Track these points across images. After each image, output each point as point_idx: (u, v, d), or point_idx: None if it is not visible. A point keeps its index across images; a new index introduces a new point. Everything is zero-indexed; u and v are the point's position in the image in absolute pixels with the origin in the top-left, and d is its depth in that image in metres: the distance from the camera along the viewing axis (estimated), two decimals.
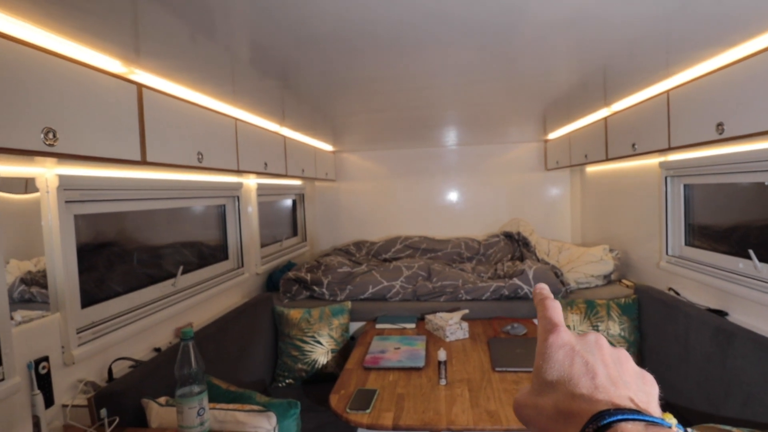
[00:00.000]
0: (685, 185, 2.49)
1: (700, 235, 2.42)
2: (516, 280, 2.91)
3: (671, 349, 2.28)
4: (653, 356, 2.46)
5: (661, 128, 2.02)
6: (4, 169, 1.30)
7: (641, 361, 2.55)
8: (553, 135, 3.80)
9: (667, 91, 1.96)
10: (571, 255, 3.46)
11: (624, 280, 3.09)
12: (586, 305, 2.70)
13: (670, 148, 1.98)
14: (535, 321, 2.77)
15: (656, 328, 2.46)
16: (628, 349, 2.55)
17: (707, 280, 2.21)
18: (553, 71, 1.73)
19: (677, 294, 2.46)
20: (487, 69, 1.66)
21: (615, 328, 2.60)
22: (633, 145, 2.30)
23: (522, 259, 3.64)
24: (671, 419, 0.30)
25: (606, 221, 3.56)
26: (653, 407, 0.33)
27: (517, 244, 3.91)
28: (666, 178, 2.56)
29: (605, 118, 2.66)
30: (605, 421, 0.29)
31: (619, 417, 0.29)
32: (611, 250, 3.19)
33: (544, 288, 0.44)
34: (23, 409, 1.32)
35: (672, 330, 2.30)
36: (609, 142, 2.64)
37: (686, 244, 2.50)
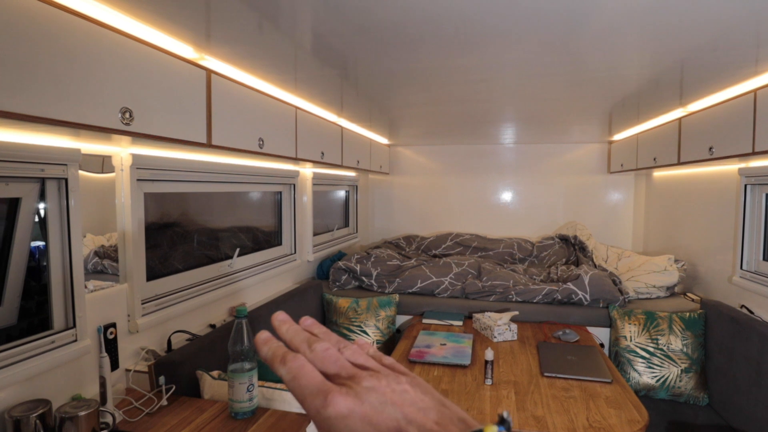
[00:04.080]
0: (767, 194, 2.29)
1: None
2: (570, 285, 2.80)
3: (741, 371, 2.12)
4: (719, 377, 2.29)
5: (745, 131, 1.86)
6: (87, 146, 1.40)
7: (704, 381, 2.38)
8: (618, 136, 3.61)
9: (755, 91, 1.80)
10: (631, 263, 3.28)
11: (689, 294, 2.90)
12: (645, 317, 2.55)
13: (754, 153, 1.82)
14: (589, 329, 2.67)
15: (724, 347, 2.29)
16: (689, 368, 2.40)
17: None
18: (624, 66, 1.63)
19: (750, 312, 2.27)
20: (552, 63, 1.60)
21: (677, 343, 2.45)
22: (710, 148, 2.14)
23: (577, 263, 3.50)
24: (491, 428, 0.28)
25: (672, 230, 3.35)
26: (471, 422, 0.31)
27: (572, 248, 3.76)
28: (746, 186, 2.36)
29: (679, 119, 2.49)
30: None
31: None
32: (677, 261, 2.99)
33: (270, 338, 0.35)
34: (92, 370, 1.43)
35: (743, 350, 2.13)
36: (682, 145, 2.47)
37: (764, 259, 2.31)
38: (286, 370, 0.33)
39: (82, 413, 1.16)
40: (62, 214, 1.34)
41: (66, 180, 1.32)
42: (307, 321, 0.39)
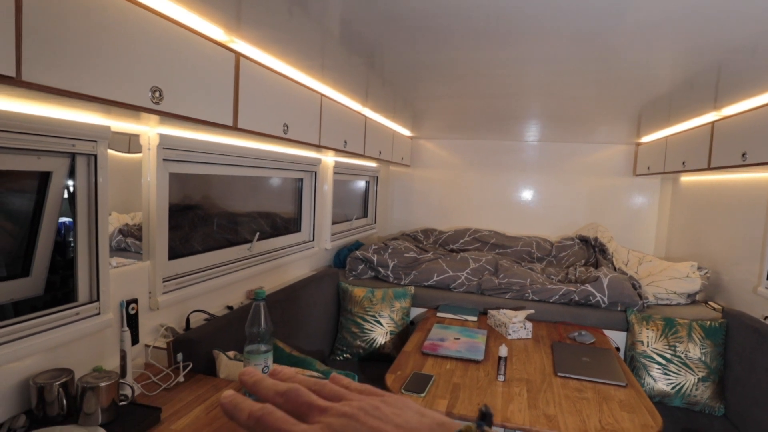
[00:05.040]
0: None
1: None
2: (588, 287, 2.77)
3: (761, 383, 2.07)
4: (738, 388, 2.24)
5: None
6: (116, 124, 1.42)
7: (722, 391, 2.34)
8: (647, 138, 3.52)
9: None
10: (652, 268, 3.22)
11: (711, 302, 2.83)
12: (664, 323, 2.51)
13: None
14: (605, 331, 2.63)
15: (745, 358, 2.23)
16: (707, 377, 2.35)
17: None
18: (658, 65, 1.59)
19: None
20: (583, 60, 1.56)
21: (695, 351, 2.40)
22: (743, 154, 2.07)
23: (596, 265, 3.44)
24: (470, 426, 0.28)
25: (697, 236, 3.26)
26: (454, 424, 0.30)
27: (592, 250, 3.71)
28: None
29: (712, 123, 2.42)
30: None
31: None
32: (700, 268, 2.92)
33: (234, 396, 0.34)
34: (113, 343, 1.46)
35: (764, 362, 2.07)
36: (714, 149, 2.40)
37: None
38: (261, 421, 0.32)
39: (103, 384, 1.19)
40: (90, 191, 1.37)
41: (95, 156, 1.35)
42: (275, 369, 0.39)
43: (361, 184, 4.02)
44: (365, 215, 4.12)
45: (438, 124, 3.41)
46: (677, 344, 2.44)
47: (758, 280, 2.40)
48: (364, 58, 1.70)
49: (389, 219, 4.54)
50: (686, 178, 3.54)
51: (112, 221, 1.53)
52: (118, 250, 1.59)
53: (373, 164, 3.91)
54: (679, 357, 2.42)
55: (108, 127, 1.36)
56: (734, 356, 2.33)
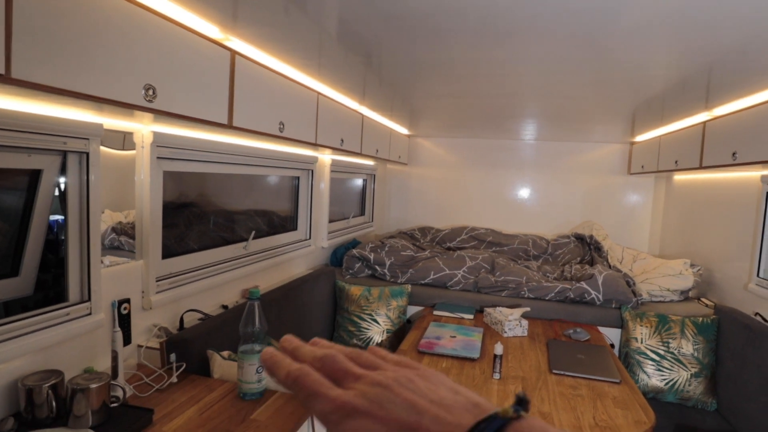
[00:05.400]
0: None
1: None
2: (583, 284, 2.78)
3: (752, 378, 2.09)
4: (729, 384, 2.27)
5: None
6: (109, 122, 1.41)
7: (714, 387, 2.36)
8: (641, 137, 3.54)
9: None
10: (646, 265, 3.24)
11: (703, 299, 2.85)
12: (657, 319, 2.53)
13: None
14: (600, 329, 2.64)
15: (736, 353, 2.26)
16: (699, 372, 2.37)
17: None
18: (652, 65, 1.59)
19: (765, 320, 2.23)
20: (579, 60, 1.56)
21: (688, 347, 2.42)
22: (733, 154, 2.09)
23: (592, 263, 3.46)
24: (507, 411, 0.28)
25: (690, 234, 3.29)
26: (490, 406, 0.30)
27: (588, 248, 3.72)
28: (767, 193, 2.32)
29: (704, 123, 2.44)
30: None
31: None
32: (692, 266, 2.95)
33: (275, 354, 0.36)
34: (105, 344, 1.45)
35: (755, 358, 2.10)
36: (705, 149, 2.41)
37: None
38: (299, 382, 0.33)
39: (94, 385, 1.18)
40: (82, 189, 1.35)
41: (87, 154, 1.33)
42: (315, 340, 0.40)
43: (358, 182, 4.02)
44: (362, 213, 4.11)
45: (435, 122, 3.41)
46: (670, 340, 2.46)
47: (749, 277, 2.43)
48: (361, 57, 1.69)
49: (386, 217, 4.53)
50: (679, 177, 3.56)
51: (106, 219, 1.52)
52: (112, 248, 1.57)
53: (370, 162, 3.90)
54: (672, 353, 2.44)
55: (100, 125, 1.34)
56: (726, 352, 2.35)
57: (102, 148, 1.39)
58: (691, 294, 2.90)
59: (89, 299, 1.38)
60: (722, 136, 2.25)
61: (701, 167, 2.45)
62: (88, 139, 1.32)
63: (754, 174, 2.45)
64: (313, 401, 0.32)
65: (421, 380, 0.32)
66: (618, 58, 1.52)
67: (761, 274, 2.35)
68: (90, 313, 1.38)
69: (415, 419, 0.29)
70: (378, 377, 0.32)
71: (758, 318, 2.27)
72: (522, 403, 0.29)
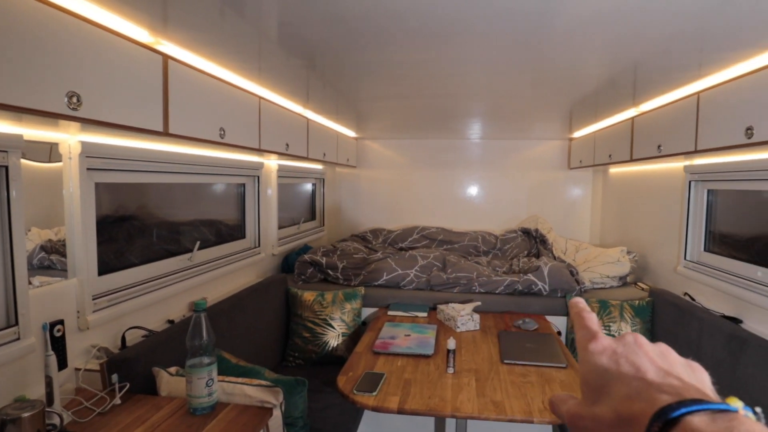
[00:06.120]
0: (708, 191, 2.43)
1: (720, 241, 2.37)
2: (530, 276, 2.88)
3: (682, 353, 2.19)
4: None
5: (689, 131, 1.96)
6: (32, 132, 1.32)
7: None
8: (578, 133, 3.72)
9: (698, 93, 1.90)
10: (587, 255, 3.41)
11: (640, 283, 3.03)
12: (599, 305, 2.66)
13: (697, 151, 1.92)
14: (547, 317, 2.75)
15: (669, 332, 2.42)
16: None
17: (723, 287, 2.16)
18: (583, 65, 1.68)
19: (692, 299, 2.40)
20: (517, 60, 1.62)
21: (627, 329, 2.56)
22: (659, 146, 2.24)
23: (538, 255, 3.59)
24: (736, 402, 0.29)
25: (626, 223, 3.49)
26: (710, 394, 0.31)
27: (534, 241, 3.86)
28: (690, 182, 2.50)
29: (632, 119, 2.60)
30: (671, 416, 0.28)
31: (683, 410, 0.28)
32: (629, 253, 3.13)
33: (580, 301, 0.44)
34: (37, 369, 1.35)
35: (685, 335, 2.26)
36: (635, 142, 2.57)
37: (705, 250, 2.45)
38: (582, 317, 0.42)
39: (26, 414, 1.10)
40: (2, 206, 1.26)
41: (6, 168, 1.24)
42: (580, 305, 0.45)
43: (307, 186, 3.97)
44: (313, 218, 4.07)
45: (382, 124, 3.43)
46: (611, 324, 2.59)
47: (677, 260, 2.60)
48: (303, 60, 1.68)
49: (337, 221, 4.51)
50: (614, 170, 3.77)
51: (33, 237, 1.42)
52: (42, 268, 1.47)
53: (318, 166, 3.87)
54: (613, 335, 2.55)
55: (20, 136, 1.25)
56: (661, 331, 2.51)
57: (26, 161, 1.30)
58: (628, 279, 3.08)
59: (16, 323, 1.29)
60: (648, 130, 2.40)
61: (632, 160, 2.61)
62: (6, 151, 1.23)
63: (677, 165, 2.63)
64: (589, 338, 0.39)
65: (663, 349, 0.37)
66: (553, 58, 1.59)
67: (688, 257, 2.53)
68: (18, 338, 1.29)
69: (646, 367, 0.34)
70: (629, 336, 0.38)
71: (687, 297, 2.44)
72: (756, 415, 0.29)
